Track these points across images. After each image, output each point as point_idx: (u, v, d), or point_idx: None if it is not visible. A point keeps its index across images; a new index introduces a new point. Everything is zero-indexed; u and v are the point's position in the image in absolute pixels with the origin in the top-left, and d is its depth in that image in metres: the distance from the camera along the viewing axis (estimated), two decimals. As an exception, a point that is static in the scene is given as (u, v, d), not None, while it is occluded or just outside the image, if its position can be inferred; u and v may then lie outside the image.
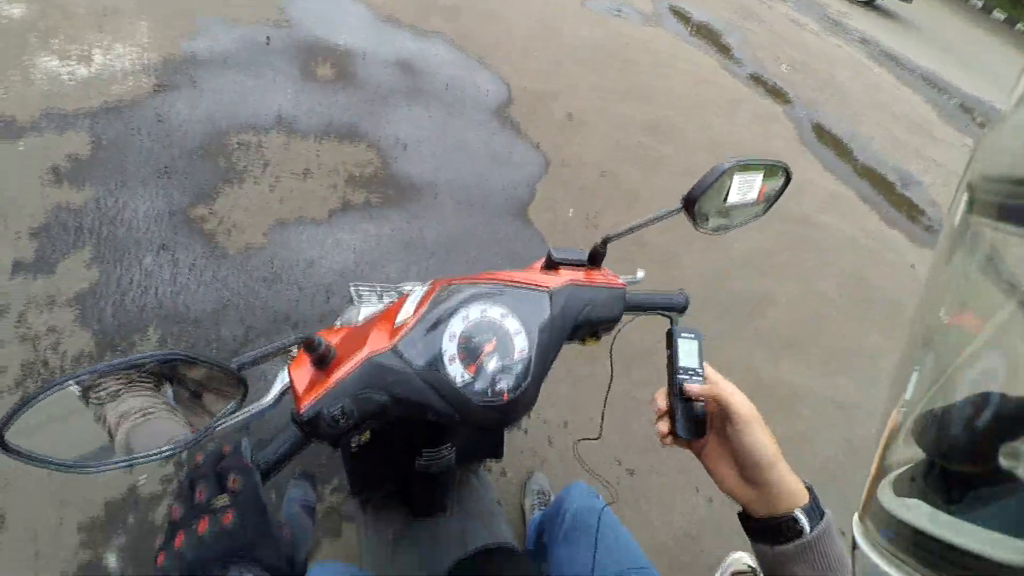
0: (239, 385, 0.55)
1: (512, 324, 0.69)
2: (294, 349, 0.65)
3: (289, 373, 0.69)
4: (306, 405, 0.62)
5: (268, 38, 3.18)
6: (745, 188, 0.79)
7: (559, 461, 1.80)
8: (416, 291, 0.76)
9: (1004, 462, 0.26)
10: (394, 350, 0.66)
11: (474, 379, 0.66)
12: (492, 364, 0.67)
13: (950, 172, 5.10)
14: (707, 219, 0.78)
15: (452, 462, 0.92)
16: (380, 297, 1.02)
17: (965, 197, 0.29)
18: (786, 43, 6.56)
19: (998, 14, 17.07)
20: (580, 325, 0.77)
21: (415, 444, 0.88)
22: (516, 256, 2.45)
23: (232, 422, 0.62)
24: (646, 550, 1.02)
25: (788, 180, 0.82)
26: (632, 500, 1.80)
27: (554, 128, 3.39)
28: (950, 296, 0.31)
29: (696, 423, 0.70)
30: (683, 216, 0.76)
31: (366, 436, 0.69)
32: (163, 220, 2.03)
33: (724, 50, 5.62)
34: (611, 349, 0.90)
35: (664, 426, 0.72)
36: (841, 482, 2.04)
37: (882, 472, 0.33)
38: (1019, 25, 16.55)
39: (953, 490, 0.29)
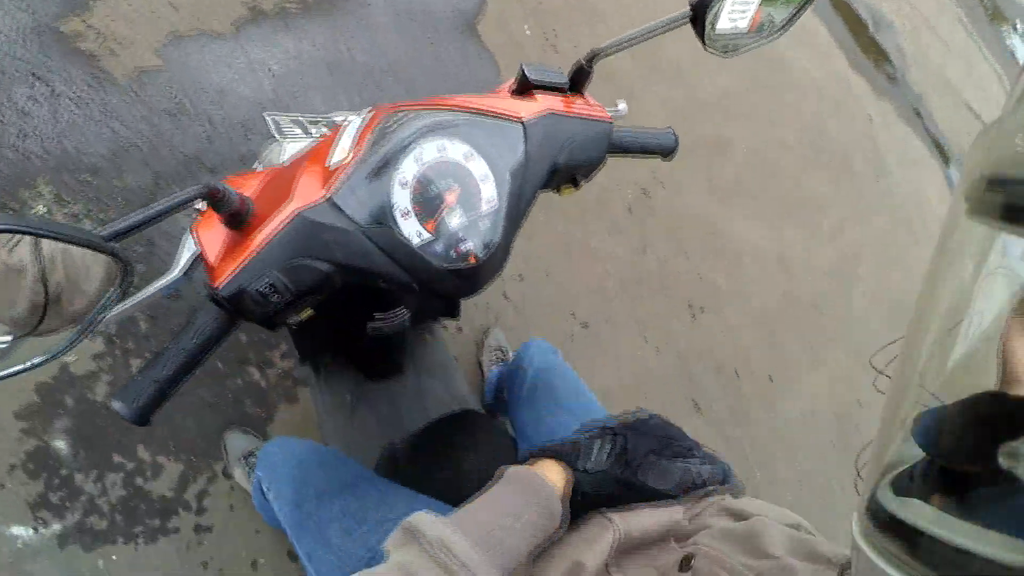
0: (117, 262, 0.44)
1: (478, 166, 0.56)
2: (197, 205, 0.51)
3: (196, 236, 0.56)
4: (223, 279, 0.51)
5: None
6: (737, 24, 0.63)
7: (515, 315, 1.82)
8: (354, 119, 0.60)
9: (1004, 462, 0.26)
10: (330, 201, 0.52)
11: (434, 238, 0.55)
12: (455, 219, 0.55)
13: (920, 19, 4.67)
14: (716, 32, 0.63)
15: (406, 325, 0.83)
16: (306, 130, 0.83)
17: (964, 197, 0.28)
18: None
19: None
20: (558, 167, 0.65)
21: (366, 308, 0.78)
22: (465, 82, 2.18)
23: (120, 310, 0.52)
24: (599, 398, 1.06)
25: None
26: (587, 353, 1.89)
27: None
28: (950, 296, 0.31)
29: None
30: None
31: (306, 313, 0.58)
32: (28, 39, 1.65)
33: None
34: None
35: None
36: (774, 327, 2.19)
37: (882, 471, 0.33)
38: None
39: (953, 490, 0.29)
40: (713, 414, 2.01)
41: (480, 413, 1.00)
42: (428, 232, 0.54)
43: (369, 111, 0.61)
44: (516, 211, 0.58)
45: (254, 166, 0.90)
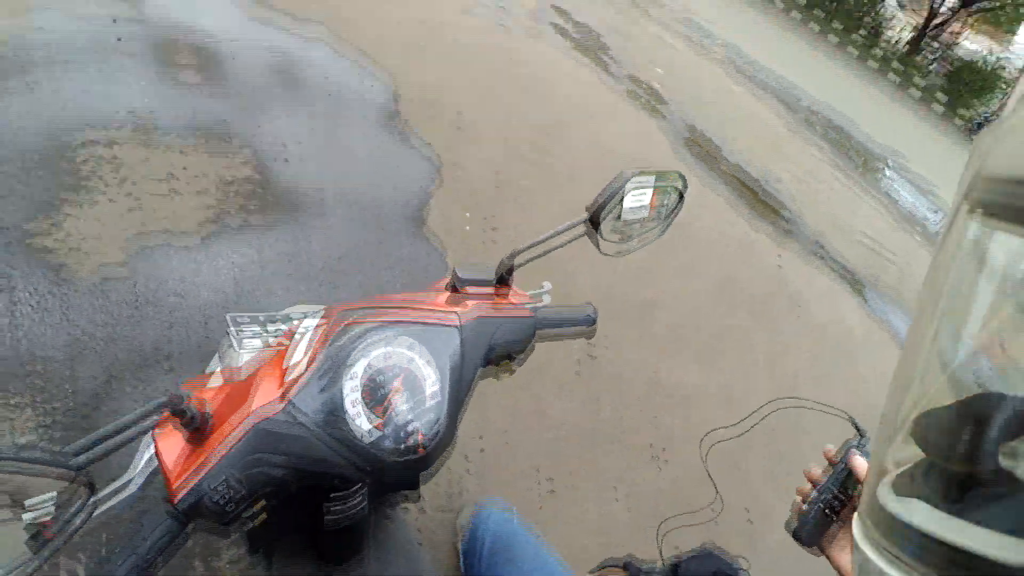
0: (81, 486, 0.44)
1: (421, 364, 0.62)
2: (155, 416, 0.54)
3: (155, 446, 0.57)
4: (181, 491, 0.52)
5: (117, 29, 2.81)
6: (644, 199, 0.78)
7: (478, 484, 1.79)
8: (307, 325, 0.67)
9: (1004, 462, 0.26)
10: (286, 410, 0.57)
11: (383, 433, 0.59)
12: (402, 412, 0.60)
13: (802, 174, 5.75)
14: (608, 237, 0.77)
15: (365, 512, 0.82)
16: (264, 328, 0.90)
17: (965, 197, 0.29)
18: (657, 55, 6.98)
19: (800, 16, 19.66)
20: (492, 355, 0.73)
21: (320, 494, 0.81)
22: (413, 268, 2.38)
23: (79, 526, 0.49)
24: (566, 555, 1.03)
25: (685, 189, 0.81)
26: (557, 512, 1.84)
27: (444, 133, 3.33)
28: (950, 296, 0.31)
29: (821, 534, 0.68)
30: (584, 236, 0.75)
31: (262, 516, 0.59)
32: (-7, 247, 1.72)
33: (603, 63, 5.86)
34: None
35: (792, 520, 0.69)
36: (735, 458, 2.23)
37: (882, 472, 0.33)
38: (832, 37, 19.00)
39: (953, 490, 0.29)
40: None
41: None
42: (377, 428, 0.59)
43: (320, 311, 0.69)
44: (458, 399, 0.65)
45: (211, 366, 0.95)
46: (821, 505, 0.66)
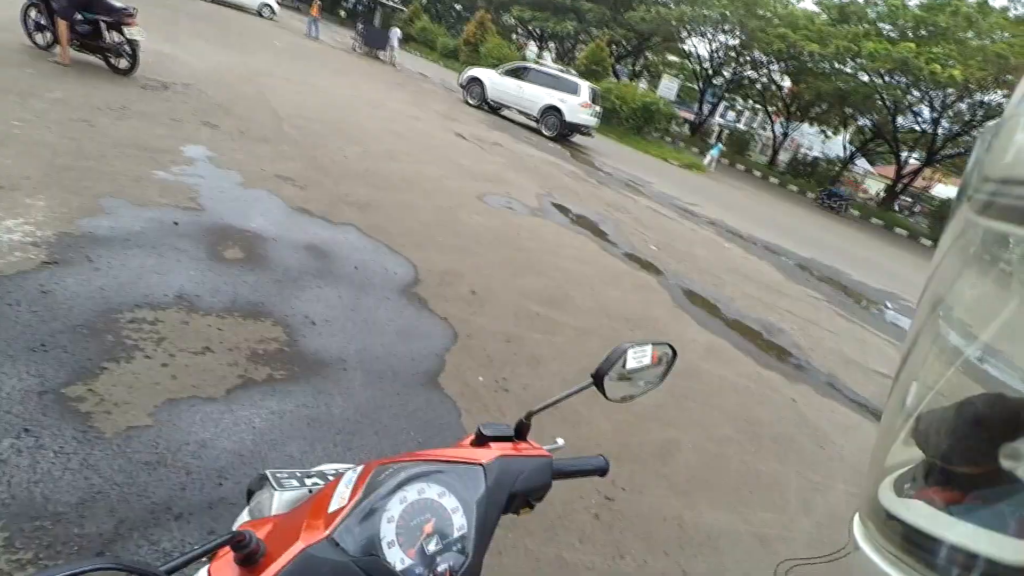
0: None
1: (450, 501, 0.70)
2: (219, 541, 0.61)
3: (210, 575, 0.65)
4: None
5: (176, 222, 3.25)
6: (642, 361, 0.92)
7: None
8: (349, 473, 0.75)
9: (1004, 462, 0.26)
10: (330, 539, 0.63)
11: (415, 563, 0.65)
12: (432, 545, 0.66)
13: (803, 319, 5.93)
14: (612, 394, 0.90)
15: None
16: (302, 483, 0.94)
17: (965, 197, 0.29)
18: (651, 228, 7.71)
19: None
20: (514, 495, 0.80)
21: None
22: (428, 426, 2.41)
23: None
24: None
25: (675, 356, 0.96)
26: None
27: (459, 303, 3.60)
28: (950, 297, 0.30)
29: None
30: (593, 390, 0.87)
31: None
32: (30, 400, 1.81)
33: (601, 235, 6.48)
34: None
35: None
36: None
37: (882, 473, 0.32)
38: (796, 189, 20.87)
39: (953, 490, 0.28)
40: None
41: None
42: (410, 559, 0.65)
43: (361, 466, 0.78)
44: (483, 533, 0.72)
45: (242, 515, 1.00)
46: None
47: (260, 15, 20.64)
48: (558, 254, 5.22)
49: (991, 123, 0.27)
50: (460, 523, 0.69)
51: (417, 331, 3.11)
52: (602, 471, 0.96)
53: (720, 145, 23.89)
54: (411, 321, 3.19)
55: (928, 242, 20.05)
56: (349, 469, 0.80)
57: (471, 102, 15.47)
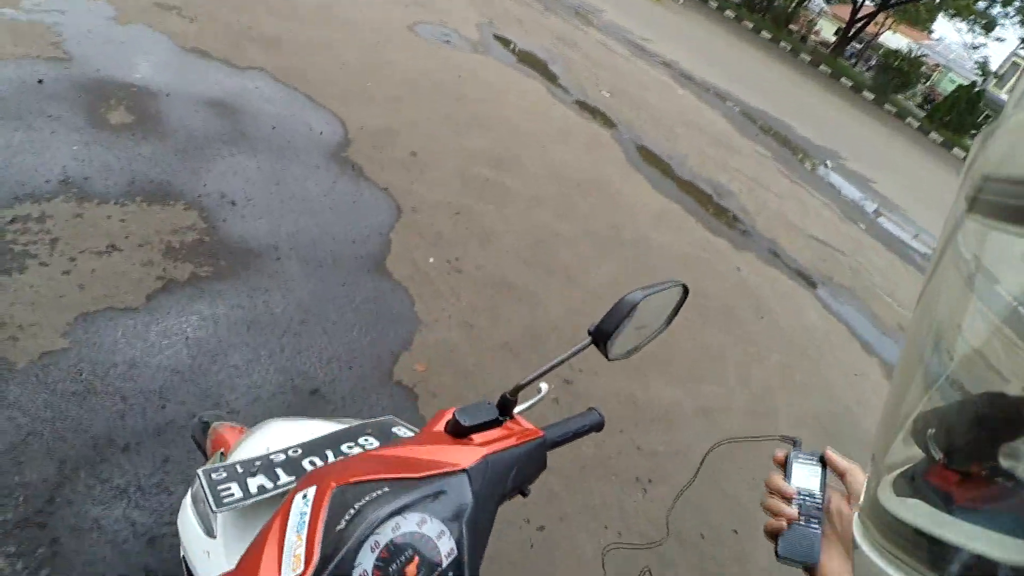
0: None
1: (432, 528, 0.59)
2: None
3: None
4: None
5: (40, 80, 2.63)
6: (648, 313, 0.79)
7: None
8: (299, 502, 0.60)
9: (1004, 462, 0.26)
10: None
11: None
12: None
13: (751, 180, 6.00)
14: (616, 347, 0.78)
15: None
16: (243, 486, 0.78)
17: (964, 197, 0.28)
18: (603, 68, 7.16)
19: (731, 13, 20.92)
20: (506, 494, 0.70)
21: None
22: (380, 319, 2.31)
23: None
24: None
25: (686, 294, 0.83)
26: (550, 559, 1.79)
27: (399, 168, 3.29)
28: (950, 295, 0.31)
29: (804, 545, 0.62)
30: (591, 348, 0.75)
31: None
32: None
33: (551, 77, 5.96)
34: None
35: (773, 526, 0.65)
36: (718, 478, 2.25)
37: (882, 473, 0.33)
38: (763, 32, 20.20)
39: (953, 490, 0.29)
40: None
41: None
42: None
43: (308, 485, 0.62)
44: (476, 548, 0.62)
45: (181, 514, 0.86)
46: (821, 516, 0.63)
47: None
48: (504, 103, 4.79)
49: (991, 122, 0.28)
50: (448, 548, 0.59)
51: (355, 206, 2.85)
52: (599, 426, 0.89)
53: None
54: (347, 193, 2.90)
55: (870, 95, 19.99)
56: (299, 483, 0.65)
57: None
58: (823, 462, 0.66)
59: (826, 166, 8.58)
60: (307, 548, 0.55)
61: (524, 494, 0.79)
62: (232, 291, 2.13)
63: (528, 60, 6.17)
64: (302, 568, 0.54)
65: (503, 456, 0.70)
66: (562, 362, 0.74)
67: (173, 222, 2.28)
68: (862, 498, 0.34)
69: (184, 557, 0.85)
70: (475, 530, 0.62)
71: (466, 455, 0.66)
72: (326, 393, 1.95)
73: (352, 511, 0.57)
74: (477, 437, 0.71)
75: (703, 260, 4.00)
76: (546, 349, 2.47)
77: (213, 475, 0.78)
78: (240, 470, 0.80)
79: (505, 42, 6.41)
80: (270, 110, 3.24)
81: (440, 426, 0.74)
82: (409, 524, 0.58)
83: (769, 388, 3.07)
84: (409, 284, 2.53)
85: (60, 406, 1.57)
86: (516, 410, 0.80)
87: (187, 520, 0.85)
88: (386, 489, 0.59)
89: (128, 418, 1.62)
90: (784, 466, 0.68)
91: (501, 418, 0.74)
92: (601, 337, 0.73)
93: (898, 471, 0.33)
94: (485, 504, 0.65)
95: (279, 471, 0.82)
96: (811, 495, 0.64)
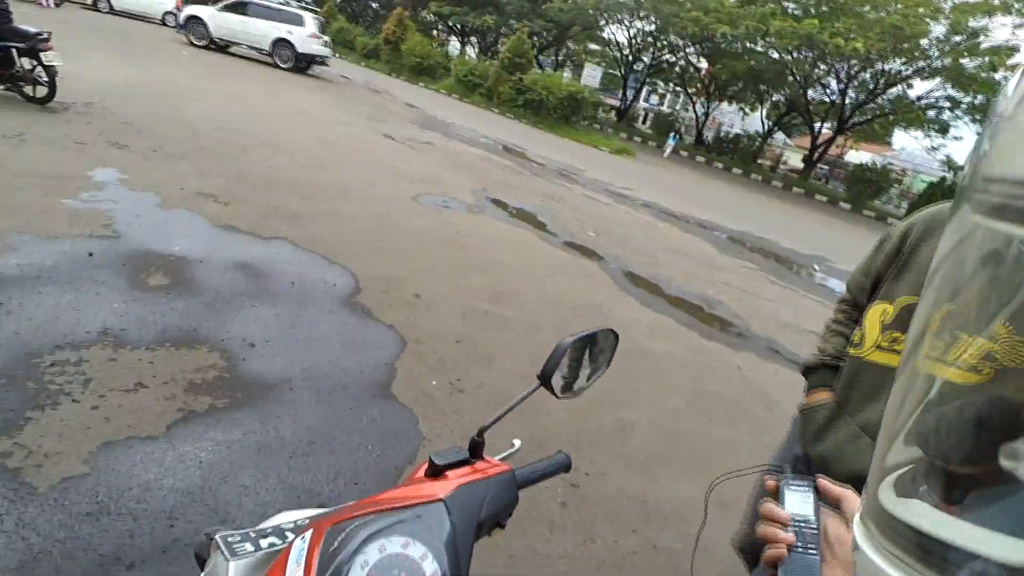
0: None
1: (416, 550, 0.66)
2: None
3: None
4: None
5: (91, 252, 3.05)
6: (585, 353, 0.92)
7: None
8: (298, 543, 0.70)
9: (1004, 462, 0.26)
10: None
11: None
12: None
13: (740, 290, 6.23)
14: (562, 387, 0.90)
15: None
16: (257, 545, 0.86)
17: (965, 198, 0.29)
18: (588, 215, 7.87)
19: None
20: (483, 521, 0.77)
21: None
22: (385, 437, 2.38)
23: None
24: None
25: (617, 339, 0.97)
26: None
27: (404, 308, 3.57)
28: (951, 296, 0.31)
29: (805, 572, 0.61)
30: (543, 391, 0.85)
31: None
32: (-55, 469, 1.67)
33: (540, 226, 6.57)
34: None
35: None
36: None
37: (883, 473, 0.33)
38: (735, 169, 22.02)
39: (953, 490, 0.29)
40: None
41: None
42: None
43: (308, 525, 0.72)
44: (459, 572, 0.69)
45: None
46: (817, 542, 0.62)
47: (164, 23, 19.40)
48: (499, 249, 5.25)
49: (991, 123, 0.30)
50: (432, 569, 0.65)
51: (363, 341, 3.07)
52: (566, 467, 0.95)
53: (676, 136, 24.83)
54: (356, 332, 3.14)
55: (846, 205, 21.49)
56: (301, 529, 0.74)
57: (196, 42, 15.41)
58: (815, 487, 0.66)
59: (814, 269, 8.87)
60: (306, 570, 0.64)
61: (502, 527, 0.85)
62: (246, 419, 2.25)
63: (520, 215, 6.85)
64: None
65: (476, 486, 0.78)
66: (518, 403, 0.85)
67: (197, 362, 2.49)
68: (863, 499, 0.34)
69: None
70: (456, 555, 0.69)
71: (441, 487, 0.75)
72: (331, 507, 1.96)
73: (342, 535, 0.66)
74: (451, 474, 0.80)
75: (700, 363, 4.06)
76: (550, 450, 2.48)
77: (228, 537, 0.86)
78: (252, 535, 0.88)
79: (499, 203, 7.16)
80: (290, 270, 3.64)
81: (419, 474, 0.84)
82: (394, 546, 0.66)
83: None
84: (413, 405, 2.64)
85: (73, 526, 1.62)
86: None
87: None
88: (371, 517, 0.68)
89: (137, 537, 1.65)
90: (776, 494, 0.68)
91: (472, 459, 0.84)
92: (546, 378, 0.84)
93: (899, 472, 0.33)
94: (464, 531, 0.72)
95: (288, 534, 0.92)
96: (806, 520, 0.63)
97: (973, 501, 0.28)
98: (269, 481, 2.00)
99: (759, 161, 27.08)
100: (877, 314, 1.18)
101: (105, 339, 2.43)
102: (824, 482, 0.65)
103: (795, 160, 32.94)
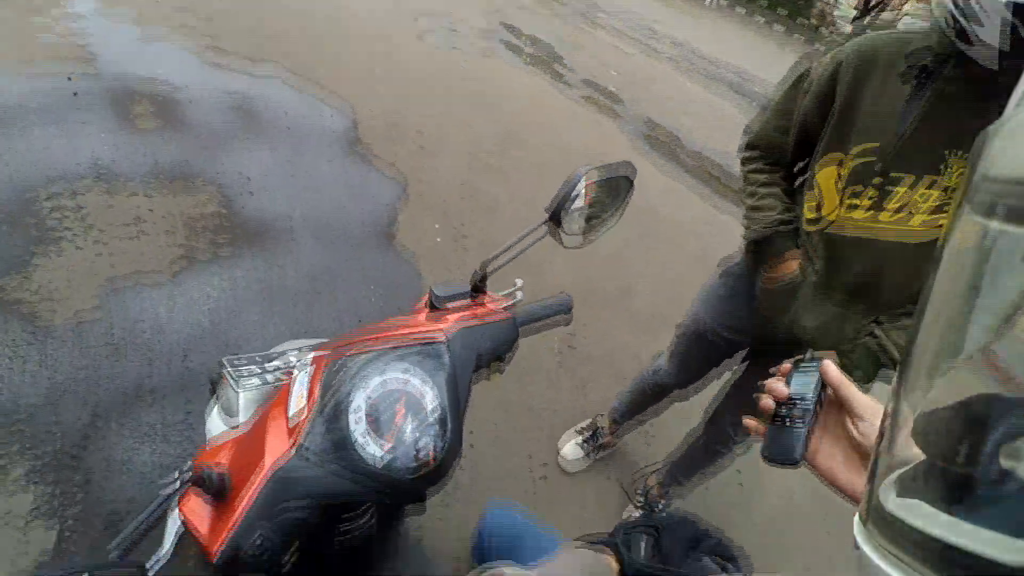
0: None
1: (416, 382, 0.66)
2: (178, 487, 0.58)
3: (182, 515, 0.61)
4: (217, 548, 0.55)
5: (72, 81, 2.85)
6: (599, 193, 0.83)
7: (472, 483, 1.81)
8: (302, 376, 0.69)
9: (1004, 462, 0.26)
10: (298, 453, 0.59)
11: (394, 454, 0.62)
12: (408, 429, 0.63)
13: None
14: (570, 232, 0.82)
15: (374, 531, 0.84)
16: (263, 375, 0.87)
17: (967, 198, 0.29)
18: (609, 63, 7.16)
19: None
20: (483, 361, 0.76)
21: (331, 519, 0.78)
22: (388, 286, 2.42)
23: None
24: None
25: (632, 185, 0.86)
26: (555, 496, 1.87)
27: (406, 154, 3.40)
28: (952, 298, 0.31)
29: (784, 446, 0.63)
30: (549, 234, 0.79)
31: (295, 557, 0.62)
32: (-37, 303, 1.74)
33: (556, 73, 6.01)
34: None
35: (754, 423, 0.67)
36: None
37: (882, 473, 0.33)
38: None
39: (953, 490, 0.29)
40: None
41: None
42: (387, 451, 0.62)
43: (311, 357, 0.71)
44: (457, 408, 0.68)
45: (208, 410, 0.94)
46: (806, 418, 0.64)
47: None
48: (510, 95, 4.85)
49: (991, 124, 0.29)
50: (432, 401, 0.66)
51: (364, 187, 2.97)
52: (567, 309, 0.92)
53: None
54: (356, 176, 3.03)
55: None
56: (304, 358, 0.74)
57: None
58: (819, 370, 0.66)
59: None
60: (308, 398, 0.64)
61: (500, 369, 0.85)
62: (250, 263, 2.26)
63: (535, 59, 6.23)
64: (304, 413, 0.62)
65: (476, 328, 0.77)
66: (523, 239, 0.79)
67: (195, 204, 2.44)
68: (863, 498, 0.34)
69: None
70: (455, 391, 0.69)
71: (443, 327, 0.74)
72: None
73: (344, 369, 0.65)
74: (452, 310, 0.78)
75: (712, 232, 3.99)
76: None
77: (235, 362, 0.86)
78: (259, 359, 0.88)
79: (512, 45, 6.49)
80: (284, 104, 3.40)
81: (421, 304, 0.82)
82: (395, 379, 0.66)
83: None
84: (416, 254, 2.64)
85: (92, 362, 1.72)
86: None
87: (213, 416, 0.92)
88: (374, 353, 0.67)
89: (154, 371, 1.77)
90: (787, 376, 0.68)
91: (473, 294, 0.82)
92: (555, 214, 0.77)
93: (899, 471, 0.33)
94: (462, 369, 0.72)
95: (293, 361, 0.89)
96: (802, 397, 0.64)
97: (973, 501, 0.28)
98: (275, 322, 2.08)
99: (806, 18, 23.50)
100: (831, 178, 1.04)
101: (99, 177, 2.36)
102: (828, 364, 0.65)
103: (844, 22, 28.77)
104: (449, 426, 0.66)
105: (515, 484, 1.86)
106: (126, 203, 2.30)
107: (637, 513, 1.86)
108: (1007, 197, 0.26)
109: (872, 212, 1.00)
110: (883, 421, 0.34)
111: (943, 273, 0.31)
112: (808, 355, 0.69)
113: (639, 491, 1.91)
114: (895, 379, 0.34)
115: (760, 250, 1.22)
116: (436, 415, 0.65)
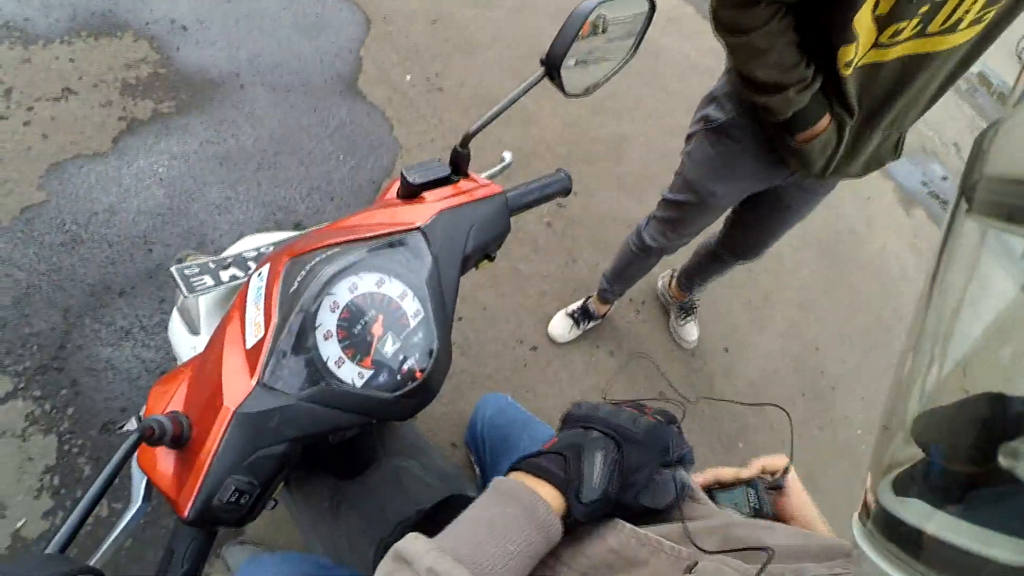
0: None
1: (393, 287, 0.56)
2: (122, 455, 0.48)
3: (143, 470, 0.55)
4: (187, 505, 0.49)
5: None
6: (610, 30, 0.67)
7: (463, 358, 1.86)
8: (255, 280, 0.58)
9: (1004, 462, 0.27)
10: (261, 386, 0.51)
11: (375, 371, 0.54)
12: (389, 344, 0.55)
13: None
14: (573, 79, 0.67)
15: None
16: (216, 277, 0.79)
17: (965, 196, 0.29)
18: None
19: None
20: (470, 254, 0.65)
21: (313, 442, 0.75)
22: (358, 145, 2.22)
23: (98, 556, 0.53)
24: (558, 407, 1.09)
25: (653, 9, 0.70)
26: (543, 375, 1.94)
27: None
28: (951, 295, 0.31)
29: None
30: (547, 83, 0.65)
31: (279, 491, 0.57)
32: None
33: None
34: None
35: None
36: (715, 296, 2.30)
37: (882, 472, 0.33)
38: None
39: (953, 490, 0.30)
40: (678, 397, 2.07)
41: (467, 496, 0.92)
42: (367, 369, 0.54)
43: (264, 264, 0.60)
44: (443, 310, 0.59)
45: (169, 327, 0.89)
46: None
47: None
48: None
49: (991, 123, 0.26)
50: (413, 308, 0.57)
51: (318, 20, 2.56)
52: (566, 190, 0.81)
53: None
54: (307, 7, 2.60)
55: None
56: (257, 263, 0.66)
57: None
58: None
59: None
60: (265, 314, 0.54)
61: (490, 258, 0.76)
62: (199, 126, 2.05)
63: None
64: (263, 333, 0.53)
65: (460, 212, 0.64)
66: (514, 100, 0.65)
67: (124, 56, 2.12)
68: (862, 498, 0.34)
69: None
70: (439, 291, 0.59)
71: (419, 213, 0.62)
72: (310, 225, 1.97)
73: (304, 272, 0.55)
74: (430, 196, 0.65)
75: (717, 70, 3.53)
76: (540, 167, 2.37)
77: (185, 270, 0.79)
78: (212, 265, 0.81)
79: None
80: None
81: (391, 193, 0.69)
82: (367, 284, 0.56)
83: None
84: (386, 106, 2.38)
85: (51, 258, 1.65)
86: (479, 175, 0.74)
87: (174, 327, 0.88)
88: (337, 250, 0.57)
89: (118, 264, 1.71)
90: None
91: (454, 176, 0.68)
92: (553, 65, 0.62)
93: (898, 471, 0.33)
94: (447, 264, 0.61)
95: (251, 264, 0.83)
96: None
97: (973, 501, 0.28)
98: (239, 198, 1.96)
99: None
100: (868, 15, 0.89)
101: (10, 33, 2.02)
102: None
103: None
104: (435, 332, 0.57)
105: (505, 358, 1.93)
106: (50, 66, 2.00)
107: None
108: (1007, 197, 0.26)
109: (919, 30, 0.91)
110: (883, 419, 0.35)
111: (942, 273, 0.31)
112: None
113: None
114: (895, 378, 0.34)
115: (795, 120, 1.09)
116: (419, 321, 0.57)
